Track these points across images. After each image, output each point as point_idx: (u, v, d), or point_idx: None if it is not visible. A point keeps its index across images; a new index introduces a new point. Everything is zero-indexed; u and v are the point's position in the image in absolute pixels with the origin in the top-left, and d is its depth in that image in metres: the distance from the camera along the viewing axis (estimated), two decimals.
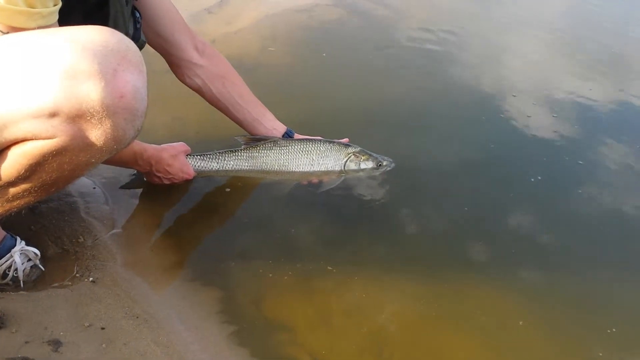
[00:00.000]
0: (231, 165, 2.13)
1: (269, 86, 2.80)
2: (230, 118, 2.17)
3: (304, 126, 2.42)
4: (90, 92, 1.16)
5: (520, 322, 1.78)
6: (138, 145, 1.91)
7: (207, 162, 2.11)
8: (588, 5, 4.82)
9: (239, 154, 2.13)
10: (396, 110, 2.81)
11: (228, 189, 2.15)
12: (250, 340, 1.62)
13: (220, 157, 2.12)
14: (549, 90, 3.20)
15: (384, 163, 2.20)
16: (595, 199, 2.39)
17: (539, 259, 2.05)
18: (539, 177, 2.43)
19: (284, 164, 2.15)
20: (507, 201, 2.31)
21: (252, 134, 2.18)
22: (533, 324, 1.78)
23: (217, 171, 2.13)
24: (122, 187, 2.07)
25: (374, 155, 2.20)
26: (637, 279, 2.05)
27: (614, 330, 1.79)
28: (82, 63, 1.15)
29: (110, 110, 1.18)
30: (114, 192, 2.04)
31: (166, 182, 2.03)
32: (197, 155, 2.10)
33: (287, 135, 2.20)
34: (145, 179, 2.06)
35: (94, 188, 2.03)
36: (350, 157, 2.17)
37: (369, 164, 2.18)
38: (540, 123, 2.86)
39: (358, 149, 2.20)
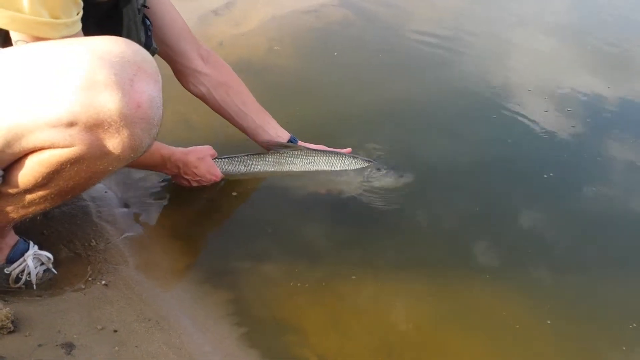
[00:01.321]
0: (258, 169, 2.18)
1: (277, 87, 2.82)
2: (234, 125, 2.19)
3: (314, 126, 2.46)
4: (108, 102, 1.18)
5: (539, 323, 1.77)
6: (166, 149, 1.95)
7: (234, 165, 2.16)
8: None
9: (266, 158, 2.18)
10: (407, 109, 2.81)
11: (235, 194, 2.15)
12: (261, 342, 1.63)
13: (247, 161, 2.17)
14: (561, 86, 3.18)
15: (404, 176, 2.24)
16: (612, 195, 2.37)
17: (554, 258, 2.03)
18: (551, 174, 2.40)
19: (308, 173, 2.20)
20: (521, 199, 2.30)
21: (255, 141, 2.21)
22: (552, 323, 1.76)
23: (244, 174, 2.18)
24: (153, 195, 2.10)
25: (394, 169, 2.25)
26: None
27: (634, 325, 1.78)
28: (99, 73, 1.17)
29: (128, 119, 1.20)
30: (125, 196, 2.05)
31: (194, 184, 2.07)
32: (224, 159, 2.15)
33: (291, 143, 2.22)
34: (173, 182, 2.10)
35: (106, 192, 2.04)
36: (371, 172, 2.21)
37: (390, 179, 2.22)
38: (555, 118, 2.84)
39: (379, 164, 2.24)
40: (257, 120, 2.18)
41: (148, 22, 1.75)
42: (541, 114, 2.86)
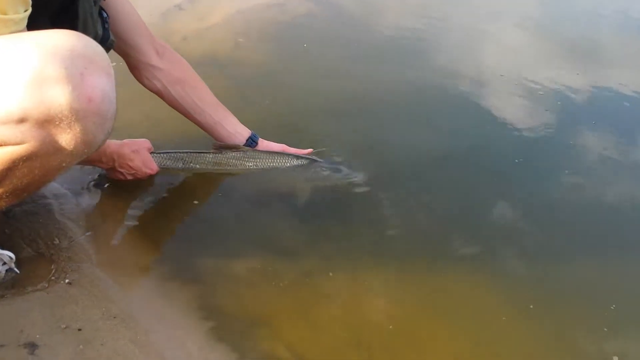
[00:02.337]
0: (196, 167, 2.16)
1: (243, 81, 2.81)
2: (192, 121, 2.16)
3: (281, 120, 2.47)
4: (58, 97, 1.16)
5: (512, 312, 1.77)
6: None
7: (172, 161, 2.14)
8: None
9: (205, 157, 2.16)
10: (377, 101, 2.82)
11: (203, 188, 2.14)
12: (230, 336, 1.62)
13: (186, 158, 2.15)
14: (532, 73, 3.21)
15: (345, 173, 2.23)
16: (584, 179, 2.40)
17: (528, 244, 2.04)
18: (521, 159, 2.45)
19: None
20: (492, 186, 2.31)
21: (214, 138, 2.19)
22: (532, 309, 1.78)
23: (182, 170, 2.16)
24: (117, 193, 2.06)
25: (337, 166, 2.24)
26: (629, 257, 2.06)
27: (614, 306, 1.81)
28: (48, 68, 1.15)
29: (80, 114, 1.19)
30: (88, 193, 2.03)
31: (129, 177, 2.03)
32: (162, 153, 2.12)
33: (252, 140, 2.19)
34: (108, 176, 2.07)
35: (68, 190, 2.02)
36: (314, 172, 2.20)
37: (332, 178, 2.21)
38: (526, 103, 2.89)
39: (322, 163, 2.23)
40: (214, 116, 2.14)
41: (105, 15, 1.73)
42: (513, 100, 2.90)
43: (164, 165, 2.12)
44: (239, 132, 2.18)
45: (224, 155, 2.17)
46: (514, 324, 1.73)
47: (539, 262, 1.97)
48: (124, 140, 2.01)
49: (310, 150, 2.27)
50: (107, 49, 1.75)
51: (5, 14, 1.22)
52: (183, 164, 2.15)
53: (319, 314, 1.72)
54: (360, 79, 3.00)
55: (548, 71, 3.26)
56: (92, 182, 2.08)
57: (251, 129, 2.22)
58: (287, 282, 1.80)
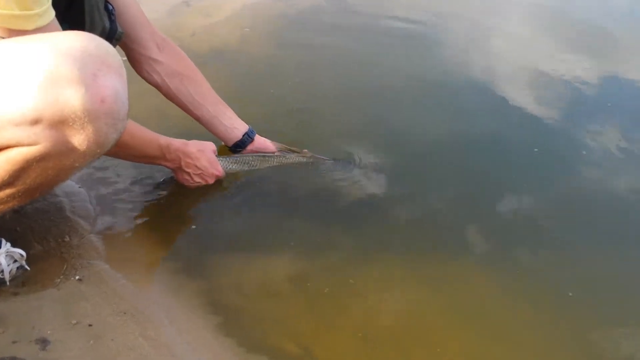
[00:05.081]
0: (261, 170, 2.19)
1: (251, 74, 2.81)
2: (189, 115, 2.15)
3: (289, 113, 2.48)
4: (72, 98, 1.17)
5: (527, 310, 1.78)
6: (163, 138, 1.91)
7: (238, 165, 2.14)
8: None
9: (270, 160, 2.19)
10: (387, 92, 2.82)
11: (212, 187, 2.12)
12: (237, 331, 1.64)
13: (252, 162, 2.16)
14: (546, 62, 3.21)
15: (355, 171, 2.26)
16: (601, 170, 2.40)
17: (544, 241, 2.04)
18: (536, 150, 2.45)
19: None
20: (510, 177, 2.32)
21: (211, 132, 2.18)
22: (541, 310, 1.78)
23: (245, 172, 2.18)
24: (126, 190, 2.07)
25: (346, 165, 2.27)
26: None
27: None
28: (62, 69, 1.16)
29: (92, 115, 1.20)
30: (98, 191, 2.04)
31: (197, 179, 2.02)
32: (228, 157, 2.13)
33: (248, 136, 2.18)
34: (174, 179, 2.06)
35: (80, 187, 2.03)
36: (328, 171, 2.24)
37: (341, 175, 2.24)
38: (543, 94, 2.89)
39: (330, 162, 2.26)
40: (212, 111, 2.13)
41: (111, 7, 1.73)
42: (531, 88, 2.89)
43: (229, 168, 2.12)
44: (236, 127, 2.17)
45: (288, 158, 2.19)
46: (528, 320, 1.74)
47: (555, 259, 1.96)
48: (190, 141, 2.00)
49: (305, 151, 2.26)
50: (116, 42, 1.76)
51: (29, 9, 1.23)
52: (249, 167, 2.16)
53: (329, 309, 1.74)
54: (368, 70, 3.00)
55: (567, 58, 3.26)
56: (103, 181, 2.09)
57: (260, 120, 2.23)
58: (295, 277, 1.81)
